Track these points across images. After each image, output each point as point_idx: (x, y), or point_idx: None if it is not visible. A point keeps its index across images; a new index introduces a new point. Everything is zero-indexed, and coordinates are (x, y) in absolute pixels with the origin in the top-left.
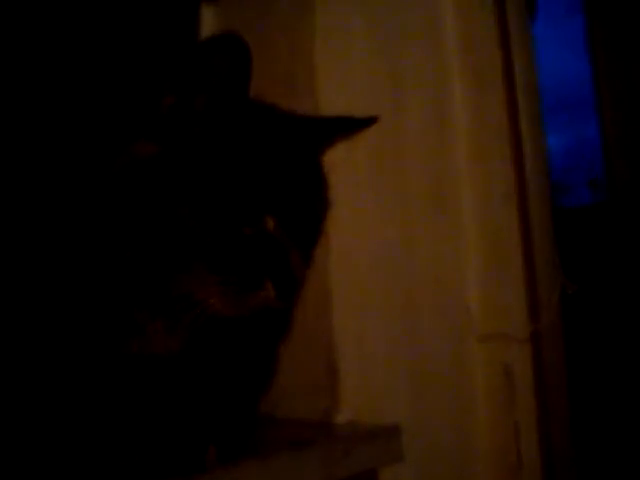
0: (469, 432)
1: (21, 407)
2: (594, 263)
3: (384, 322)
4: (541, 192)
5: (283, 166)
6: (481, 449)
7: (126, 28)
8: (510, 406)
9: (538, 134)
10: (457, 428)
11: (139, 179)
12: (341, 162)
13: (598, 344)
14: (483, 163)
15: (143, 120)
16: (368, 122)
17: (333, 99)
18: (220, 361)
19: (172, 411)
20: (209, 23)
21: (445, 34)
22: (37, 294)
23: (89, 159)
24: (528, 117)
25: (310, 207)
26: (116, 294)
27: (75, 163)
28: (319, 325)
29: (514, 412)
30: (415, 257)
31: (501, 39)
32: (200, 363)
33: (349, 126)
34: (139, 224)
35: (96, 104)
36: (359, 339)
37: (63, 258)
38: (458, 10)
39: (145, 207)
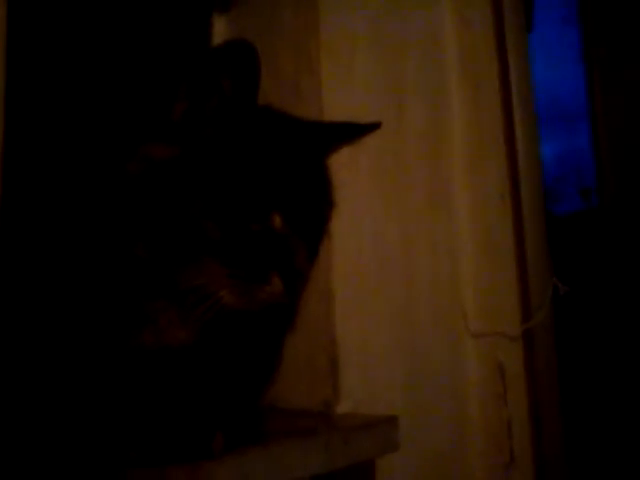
0: (463, 426)
1: (35, 395)
2: (585, 267)
3: (384, 318)
4: (534, 196)
5: (290, 167)
6: (475, 443)
7: (142, 36)
8: (502, 402)
9: (532, 140)
10: (451, 422)
11: (156, 179)
12: (344, 165)
13: (588, 344)
14: (479, 168)
15: (156, 124)
16: (371, 128)
17: (337, 106)
18: (228, 352)
19: (181, 400)
20: (220, 32)
21: (445, 45)
22: (54, 287)
23: (105, 159)
24: (523, 124)
25: (315, 206)
26: (132, 287)
27: (92, 162)
28: (322, 320)
29: (506, 408)
30: (413, 256)
31: (498, 50)
32: (209, 354)
33: (353, 132)
34: (154, 220)
35: (112, 109)
36: (360, 334)
37: (79, 252)
38: (458, 22)
39: (161, 204)
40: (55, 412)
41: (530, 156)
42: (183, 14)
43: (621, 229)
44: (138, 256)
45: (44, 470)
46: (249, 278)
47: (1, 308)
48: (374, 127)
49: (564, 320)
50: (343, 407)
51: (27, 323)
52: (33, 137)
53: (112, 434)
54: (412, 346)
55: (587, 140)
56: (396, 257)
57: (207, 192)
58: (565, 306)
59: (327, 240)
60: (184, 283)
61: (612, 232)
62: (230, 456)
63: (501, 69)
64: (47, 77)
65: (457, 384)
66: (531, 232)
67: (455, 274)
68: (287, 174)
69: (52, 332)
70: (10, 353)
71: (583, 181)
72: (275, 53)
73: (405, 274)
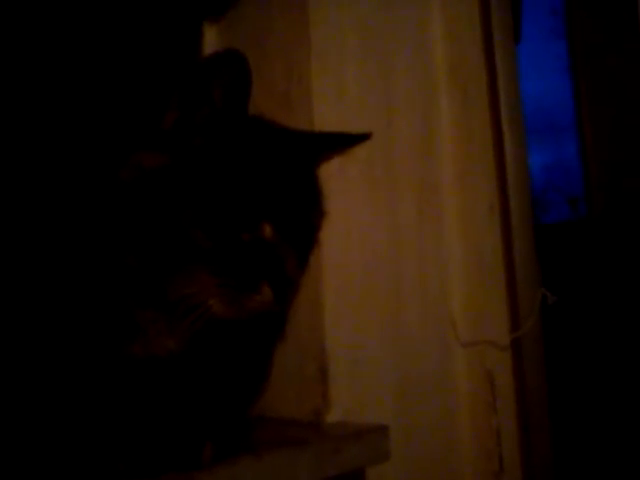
0: (453, 436)
1: (22, 407)
2: (572, 276)
3: (373, 327)
4: (523, 206)
5: (280, 177)
6: (465, 453)
7: (132, 45)
8: (492, 411)
9: (521, 150)
10: (441, 431)
11: (146, 189)
12: (334, 175)
13: (577, 353)
14: (468, 178)
15: (148, 133)
16: (362, 138)
17: (328, 116)
18: (217, 362)
19: (170, 410)
20: (212, 42)
21: (434, 55)
22: (42, 297)
23: (97, 167)
24: (511, 134)
25: (305, 215)
26: (120, 296)
27: (84, 170)
28: (311, 329)
29: (495, 417)
30: (403, 266)
31: (487, 61)
32: (198, 364)
33: (344, 141)
34: (145, 229)
35: (104, 117)
36: (349, 343)
37: (68, 262)
38: (447, 32)
39: (151, 213)
40: (43, 422)
41: (519, 166)
42: (174, 24)
43: (609, 238)
44: (129, 265)
45: None
46: (239, 287)
47: None
48: (364, 137)
49: (553, 330)
50: (333, 416)
51: (17, 331)
52: (25, 144)
53: (100, 444)
54: (401, 355)
55: (575, 150)
56: (385, 267)
57: (197, 201)
58: (554, 316)
59: (317, 249)
60: (173, 292)
61: (600, 241)
62: (220, 466)
63: (490, 80)
64: (39, 84)
65: (447, 393)
66: (520, 242)
67: (444, 283)
68: (277, 183)
69: (41, 341)
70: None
71: (571, 190)
72: (266, 63)
73: (394, 283)
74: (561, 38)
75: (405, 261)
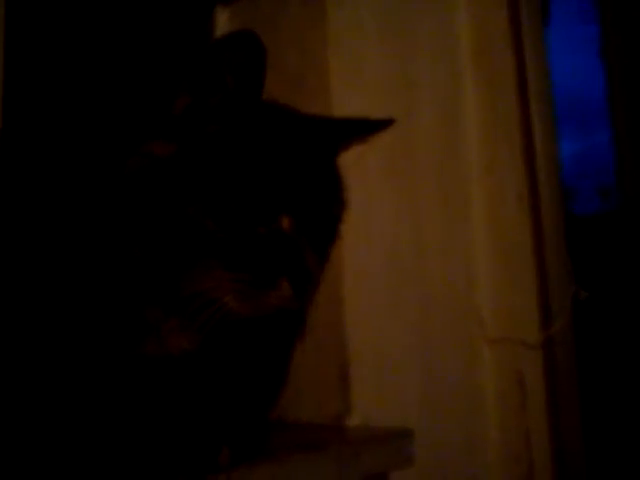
0: (480, 438)
1: (35, 409)
2: (604, 271)
3: (396, 327)
4: (553, 196)
5: (299, 166)
6: (492, 456)
7: (142, 29)
8: (521, 413)
9: (550, 139)
10: (468, 434)
11: (156, 178)
12: (354, 165)
13: (609, 351)
14: (495, 167)
15: (157, 121)
16: (384, 124)
17: (345, 101)
18: (235, 363)
19: (186, 412)
20: (223, 25)
21: (459, 38)
22: (51, 295)
23: (103, 158)
24: (540, 122)
25: (326, 207)
26: (131, 293)
27: (90, 162)
28: (332, 330)
29: (525, 419)
30: (426, 261)
31: (515, 45)
32: (215, 364)
33: (365, 128)
34: (154, 222)
35: (113, 103)
36: (371, 343)
37: (77, 257)
38: (472, 15)
39: (162, 203)
40: (57, 424)
41: (548, 155)
42: (185, 7)
43: None
44: (138, 259)
45: None
46: (255, 283)
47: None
48: (387, 123)
49: (584, 327)
50: (354, 420)
51: (26, 329)
52: (33, 132)
53: (116, 447)
54: (426, 354)
55: (606, 138)
56: (409, 262)
57: (209, 191)
58: (585, 312)
59: (337, 243)
60: (186, 289)
61: (633, 233)
62: (237, 471)
63: (517, 65)
64: (48, 72)
65: (474, 394)
66: (550, 234)
67: (471, 279)
68: (295, 173)
69: (52, 342)
70: (9, 360)
71: (602, 180)
72: (279, 47)
73: (418, 279)
74: (592, 21)
75: (429, 255)
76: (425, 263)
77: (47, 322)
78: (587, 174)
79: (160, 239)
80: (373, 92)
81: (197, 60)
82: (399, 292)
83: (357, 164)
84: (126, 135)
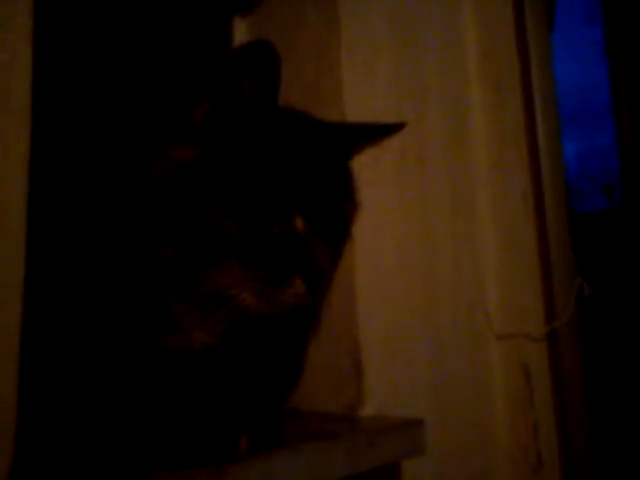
0: (489, 429)
1: (61, 399)
2: (608, 268)
3: (407, 320)
4: (557, 195)
5: (312, 169)
6: (501, 447)
7: (164, 40)
8: (529, 405)
9: (554, 140)
10: (477, 425)
11: (179, 180)
12: (367, 166)
13: (614, 345)
14: (501, 167)
15: (179, 126)
16: (396, 128)
17: (359, 108)
18: (252, 355)
19: (206, 403)
20: (241, 35)
21: (466, 43)
22: (77, 291)
23: (130, 161)
24: (545, 124)
25: (338, 208)
26: (156, 289)
27: (118, 165)
28: (345, 322)
29: (532, 411)
30: (435, 257)
31: (520, 48)
32: (234, 357)
33: (377, 132)
34: (178, 222)
35: (135, 111)
36: (383, 336)
37: (107, 254)
38: (478, 20)
39: (184, 206)
40: (80, 414)
41: (553, 155)
42: (204, 18)
43: None
44: (165, 257)
45: (68, 471)
46: (271, 280)
47: (31, 308)
48: (398, 127)
49: (590, 321)
50: (367, 410)
51: (56, 324)
52: (61, 141)
53: (137, 436)
54: (435, 347)
55: (610, 137)
56: (418, 258)
57: (228, 194)
58: (590, 307)
59: (350, 241)
60: (207, 286)
61: (637, 230)
62: (254, 459)
63: (523, 67)
64: (72, 80)
65: (481, 386)
66: (554, 232)
67: (478, 274)
68: (309, 176)
69: (79, 337)
70: (39, 353)
71: (606, 179)
72: (296, 56)
73: (428, 275)
74: (596, 23)
75: (438, 252)
76: (434, 260)
77: (76, 317)
78: (591, 173)
79: (184, 239)
80: (385, 97)
81: (215, 68)
82: (409, 287)
83: (370, 166)
84: (150, 140)
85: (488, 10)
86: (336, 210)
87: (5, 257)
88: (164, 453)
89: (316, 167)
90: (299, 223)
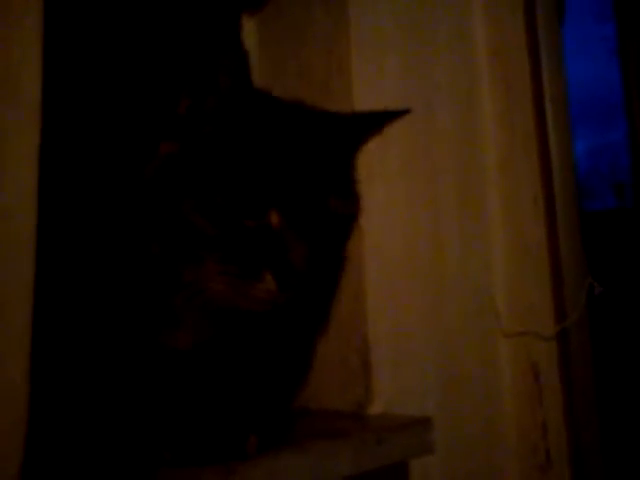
0: (497, 428)
1: (67, 398)
2: (618, 267)
3: (415, 318)
4: (568, 195)
5: (294, 163)
6: (510, 446)
7: (171, 39)
8: (538, 404)
9: (565, 139)
10: (485, 424)
11: (161, 176)
12: (375, 162)
13: (624, 344)
14: (511, 165)
15: (165, 122)
16: (399, 114)
17: (368, 105)
18: (261, 354)
19: (215, 401)
20: (251, 34)
21: (476, 42)
22: (83, 290)
23: (133, 160)
24: (555, 122)
25: (323, 204)
26: (151, 286)
27: (112, 162)
28: (354, 320)
29: (541, 410)
30: (444, 255)
31: (530, 46)
32: (243, 356)
33: (378, 120)
34: (159, 218)
35: (141, 111)
36: (392, 334)
37: (107, 252)
38: (488, 18)
39: (163, 201)
40: (89, 413)
41: (563, 153)
42: (212, 16)
43: None
44: (153, 254)
45: (76, 469)
46: (241, 275)
47: (36, 308)
48: (402, 113)
49: (600, 321)
50: (376, 408)
51: (60, 324)
52: (62, 136)
53: (147, 434)
54: (444, 346)
55: (621, 135)
56: (427, 256)
57: (198, 188)
58: (600, 306)
59: (358, 239)
60: (185, 280)
61: None
62: (263, 457)
63: (533, 65)
64: (69, 76)
65: (490, 385)
66: (565, 230)
67: (487, 273)
68: (289, 170)
69: (86, 336)
70: (45, 351)
71: (616, 177)
72: (305, 54)
73: (436, 273)
74: (608, 20)
75: (447, 250)
76: (443, 258)
77: (88, 314)
78: (602, 171)
79: (165, 234)
80: (394, 95)
81: (196, 66)
82: (418, 285)
83: (379, 162)
84: (145, 137)
85: (498, 8)
86: (320, 206)
87: (16, 255)
88: (173, 451)
89: (299, 161)
90: (274, 218)
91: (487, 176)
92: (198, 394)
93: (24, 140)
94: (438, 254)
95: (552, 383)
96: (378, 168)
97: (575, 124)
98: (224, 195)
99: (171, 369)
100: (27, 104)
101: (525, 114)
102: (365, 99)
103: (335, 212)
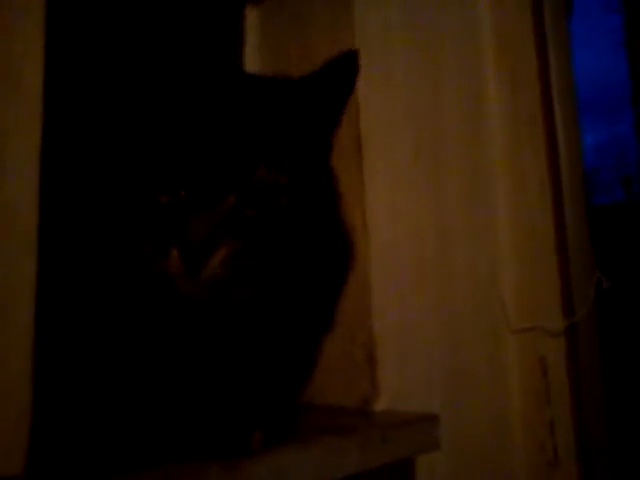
0: (505, 425)
1: (73, 392)
2: (628, 261)
3: (421, 313)
4: (575, 186)
5: (211, 130)
6: (517, 442)
7: (172, 29)
8: (545, 400)
9: (573, 129)
10: (493, 421)
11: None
12: (381, 156)
13: (632, 339)
14: (518, 158)
15: None
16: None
17: (373, 97)
18: (267, 349)
19: (220, 397)
20: (253, 24)
21: (482, 34)
22: (82, 283)
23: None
24: (563, 112)
25: (249, 175)
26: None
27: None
28: (359, 315)
29: (549, 406)
30: (451, 250)
31: (537, 38)
32: (248, 351)
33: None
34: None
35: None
36: (398, 329)
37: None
38: (495, 9)
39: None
40: (92, 408)
41: (571, 147)
42: (215, 6)
43: None
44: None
45: (77, 465)
46: (153, 252)
47: (42, 301)
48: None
49: (607, 315)
50: (382, 404)
51: (61, 319)
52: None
53: (149, 429)
54: (451, 341)
55: (629, 128)
56: (434, 250)
57: (110, 162)
58: (608, 301)
59: (364, 232)
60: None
61: None
62: (268, 453)
63: (540, 58)
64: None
65: (497, 380)
66: (572, 224)
67: (494, 268)
68: (205, 138)
69: (85, 331)
70: (48, 347)
71: (623, 170)
72: (309, 45)
73: (443, 266)
74: (615, 11)
75: (454, 245)
76: (450, 253)
77: (88, 307)
78: (609, 164)
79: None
80: (400, 90)
81: None
82: (424, 280)
83: (384, 156)
84: None
85: (505, 3)
86: (246, 177)
87: (18, 251)
88: (177, 447)
89: (219, 128)
90: (183, 193)
91: (494, 169)
92: (202, 389)
93: (26, 136)
94: (445, 249)
95: (560, 379)
96: (383, 162)
97: (582, 117)
98: (133, 170)
99: (175, 363)
100: (29, 99)
101: (532, 105)
102: (370, 95)
103: (266, 182)
